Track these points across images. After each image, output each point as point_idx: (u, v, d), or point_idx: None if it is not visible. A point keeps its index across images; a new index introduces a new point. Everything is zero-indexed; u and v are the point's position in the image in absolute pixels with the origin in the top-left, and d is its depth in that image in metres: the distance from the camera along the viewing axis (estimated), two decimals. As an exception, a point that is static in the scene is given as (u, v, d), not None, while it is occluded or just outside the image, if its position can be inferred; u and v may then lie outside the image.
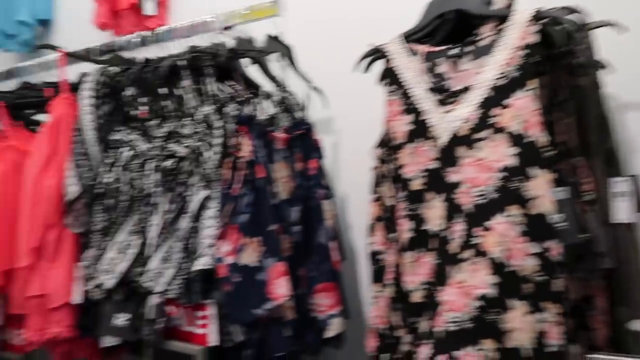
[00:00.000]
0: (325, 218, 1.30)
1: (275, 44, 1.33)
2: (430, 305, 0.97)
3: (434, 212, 1.00)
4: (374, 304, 1.13)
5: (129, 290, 1.19)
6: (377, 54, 1.13)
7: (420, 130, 1.03)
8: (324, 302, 1.27)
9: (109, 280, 1.18)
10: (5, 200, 1.44)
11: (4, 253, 1.41)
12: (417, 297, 1.01)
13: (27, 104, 1.64)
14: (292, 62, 1.37)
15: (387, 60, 1.10)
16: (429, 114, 1.02)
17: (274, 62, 1.40)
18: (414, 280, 1.02)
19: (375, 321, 1.11)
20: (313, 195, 1.30)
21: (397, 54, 1.09)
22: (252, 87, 1.37)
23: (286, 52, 1.35)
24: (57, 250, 1.27)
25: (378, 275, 1.13)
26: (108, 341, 1.21)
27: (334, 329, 1.26)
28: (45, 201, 1.28)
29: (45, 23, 2.22)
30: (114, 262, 1.18)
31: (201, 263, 1.08)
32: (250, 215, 1.11)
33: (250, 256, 1.10)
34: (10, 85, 1.82)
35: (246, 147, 1.14)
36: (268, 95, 1.39)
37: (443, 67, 1.03)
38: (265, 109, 1.35)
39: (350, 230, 1.52)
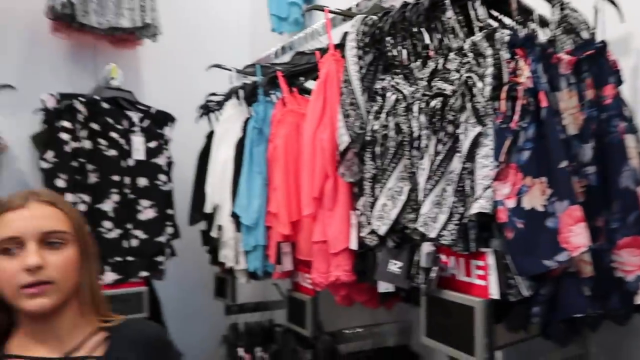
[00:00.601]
0: (628, 157, 1.04)
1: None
2: None
3: None
4: None
5: (402, 237, 1.17)
6: None
7: None
8: (631, 260, 1.02)
9: (381, 227, 1.18)
10: (290, 159, 1.61)
11: (293, 206, 1.57)
12: None
13: (300, 71, 1.79)
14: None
15: None
16: None
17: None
18: None
19: None
20: (610, 129, 1.05)
21: None
22: (524, 12, 1.18)
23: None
24: (334, 199, 1.35)
25: None
26: (383, 287, 1.23)
27: (647, 293, 1.01)
28: (321, 153, 1.36)
29: (309, 0, 2.41)
30: (385, 209, 1.17)
31: (477, 207, 0.98)
32: (532, 151, 0.95)
33: (535, 199, 0.94)
34: (285, 59, 2.03)
35: (524, 72, 0.97)
36: (543, 19, 1.19)
37: None
38: (542, 33, 1.16)
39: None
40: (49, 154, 2.06)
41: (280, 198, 1.62)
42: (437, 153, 1.07)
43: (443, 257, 1.11)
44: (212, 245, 2.10)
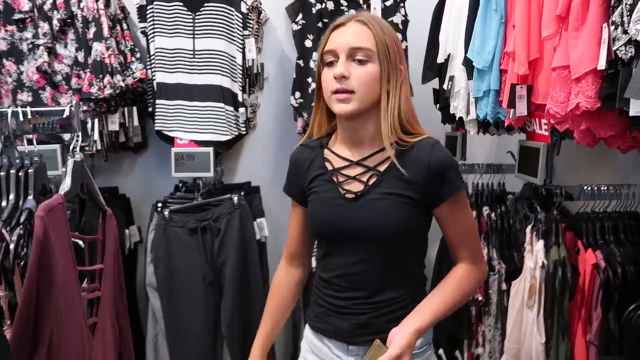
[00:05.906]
0: None
1: None
2: None
3: None
4: None
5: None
6: None
7: None
8: None
9: (641, 32, 0.97)
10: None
11: (533, 43, 1.42)
12: None
13: None
14: None
15: None
16: None
17: None
18: None
19: None
20: None
21: None
22: None
23: None
24: (582, 15, 1.15)
25: None
26: (636, 109, 1.04)
27: None
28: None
29: None
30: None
31: None
32: None
33: None
34: None
35: None
36: None
37: None
38: None
39: None
40: (299, 17, 2.28)
41: (518, 35, 1.47)
42: None
43: None
44: (442, 102, 2.08)
